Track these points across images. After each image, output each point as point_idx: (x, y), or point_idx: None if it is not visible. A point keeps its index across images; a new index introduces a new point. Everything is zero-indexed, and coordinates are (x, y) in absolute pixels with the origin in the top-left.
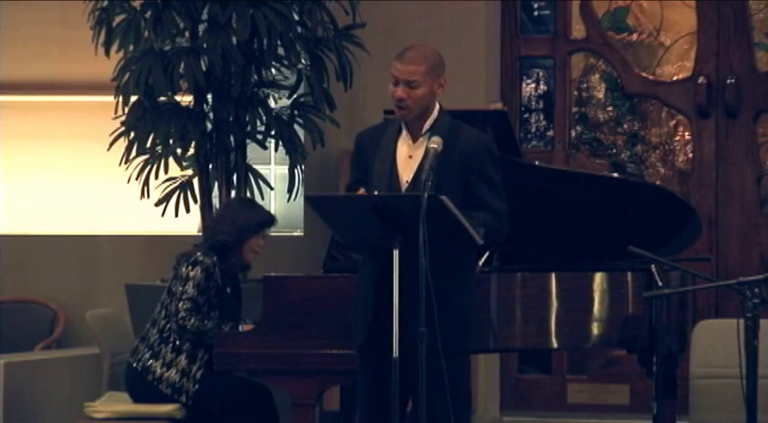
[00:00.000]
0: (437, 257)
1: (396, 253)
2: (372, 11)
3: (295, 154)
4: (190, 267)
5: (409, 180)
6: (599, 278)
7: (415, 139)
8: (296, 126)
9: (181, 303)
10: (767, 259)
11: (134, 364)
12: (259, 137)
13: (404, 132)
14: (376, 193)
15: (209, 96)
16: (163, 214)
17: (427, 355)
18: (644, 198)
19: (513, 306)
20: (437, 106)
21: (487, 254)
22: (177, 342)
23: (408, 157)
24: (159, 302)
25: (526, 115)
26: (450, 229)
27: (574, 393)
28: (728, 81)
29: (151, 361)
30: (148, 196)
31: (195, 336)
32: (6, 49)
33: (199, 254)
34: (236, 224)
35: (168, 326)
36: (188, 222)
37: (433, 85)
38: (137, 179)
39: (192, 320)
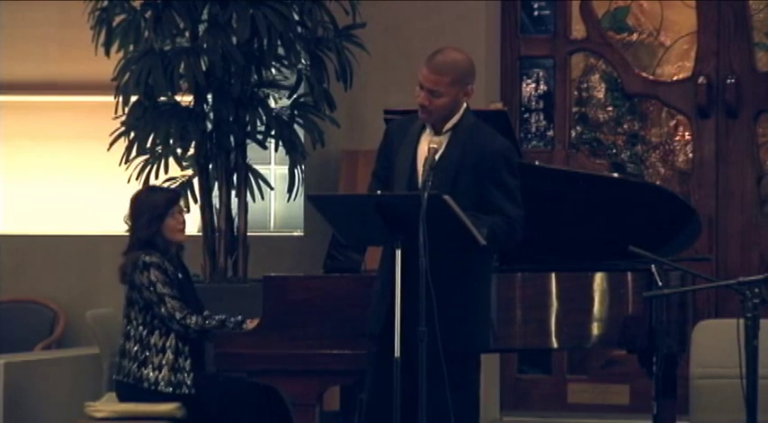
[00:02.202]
0: (451, 258)
1: (398, 253)
2: (372, 11)
3: (295, 154)
4: (145, 272)
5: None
6: (599, 278)
7: (437, 135)
8: (296, 126)
9: (168, 305)
10: (767, 259)
11: (125, 380)
12: (259, 137)
13: (427, 129)
14: (379, 192)
15: (210, 96)
16: None
17: (432, 355)
18: (644, 198)
19: (513, 306)
20: (463, 106)
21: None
22: (159, 343)
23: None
24: (124, 317)
25: (526, 115)
26: (453, 229)
27: (574, 393)
28: (728, 81)
29: (141, 369)
30: None
31: (198, 333)
32: (6, 49)
33: (142, 256)
34: (144, 216)
35: (146, 333)
36: (188, 222)
37: (458, 94)
38: (137, 179)
39: (194, 318)
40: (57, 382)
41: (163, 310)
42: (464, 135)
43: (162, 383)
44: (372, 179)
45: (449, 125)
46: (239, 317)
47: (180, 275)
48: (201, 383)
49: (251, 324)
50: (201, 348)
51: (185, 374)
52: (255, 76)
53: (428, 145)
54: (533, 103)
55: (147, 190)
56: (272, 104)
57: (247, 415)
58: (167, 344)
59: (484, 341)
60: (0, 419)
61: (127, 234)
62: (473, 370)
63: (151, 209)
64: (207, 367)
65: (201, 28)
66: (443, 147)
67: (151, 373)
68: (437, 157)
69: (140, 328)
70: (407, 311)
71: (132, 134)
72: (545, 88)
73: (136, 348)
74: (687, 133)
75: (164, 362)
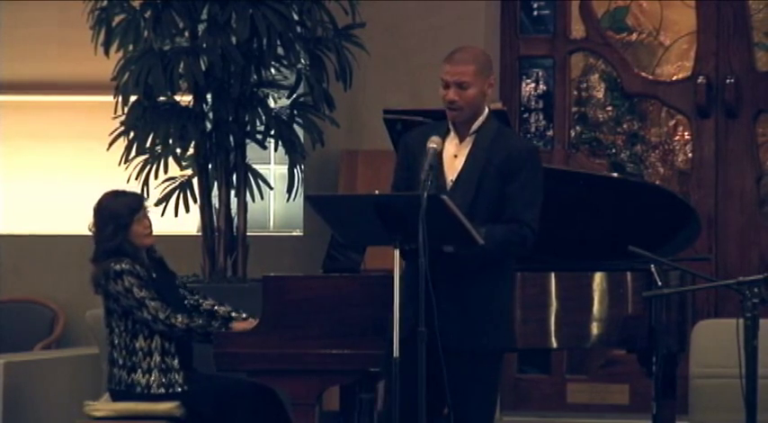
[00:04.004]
0: (475, 258)
1: (396, 253)
2: (372, 11)
3: (294, 154)
4: (119, 281)
5: (453, 179)
6: (599, 278)
7: (461, 139)
8: (295, 126)
9: (150, 308)
10: (767, 259)
11: (117, 388)
12: (259, 137)
13: (451, 133)
14: (377, 192)
15: (209, 96)
16: (162, 214)
17: (455, 354)
18: (644, 198)
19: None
20: (486, 109)
21: None
22: (145, 346)
23: (453, 157)
24: (106, 327)
25: (526, 115)
26: (452, 230)
27: (574, 393)
28: (728, 81)
29: (131, 375)
30: (148, 196)
31: (184, 332)
32: (6, 49)
33: (112, 264)
34: (108, 226)
35: (129, 339)
36: (188, 222)
37: (483, 84)
38: (136, 179)
39: (179, 317)
40: (56, 382)
41: (145, 313)
42: (489, 137)
43: (154, 386)
44: (392, 192)
45: (474, 127)
46: (243, 314)
47: (154, 275)
48: (195, 382)
49: (238, 325)
50: (189, 344)
51: (176, 373)
52: (255, 76)
53: (427, 144)
54: (533, 103)
55: (110, 197)
56: (272, 104)
57: (244, 415)
58: (153, 346)
59: (508, 340)
60: (0, 419)
61: None
62: (495, 369)
63: (115, 218)
64: (194, 364)
65: (201, 28)
66: (468, 149)
67: (142, 378)
68: (437, 156)
69: (123, 334)
70: (436, 313)
71: (132, 134)
72: (544, 88)
73: (123, 356)
74: (687, 133)
75: (152, 364)
